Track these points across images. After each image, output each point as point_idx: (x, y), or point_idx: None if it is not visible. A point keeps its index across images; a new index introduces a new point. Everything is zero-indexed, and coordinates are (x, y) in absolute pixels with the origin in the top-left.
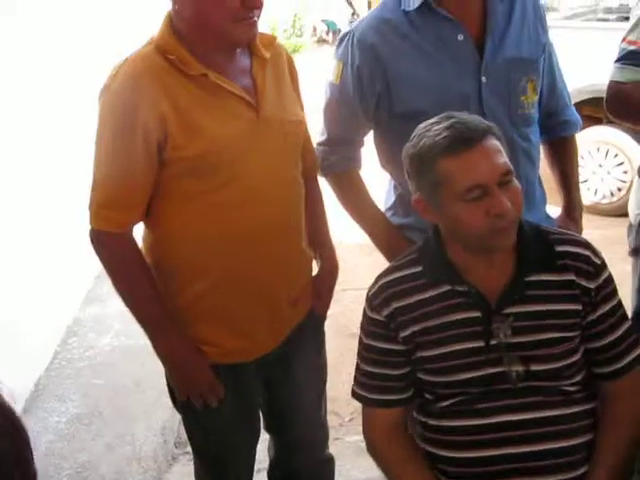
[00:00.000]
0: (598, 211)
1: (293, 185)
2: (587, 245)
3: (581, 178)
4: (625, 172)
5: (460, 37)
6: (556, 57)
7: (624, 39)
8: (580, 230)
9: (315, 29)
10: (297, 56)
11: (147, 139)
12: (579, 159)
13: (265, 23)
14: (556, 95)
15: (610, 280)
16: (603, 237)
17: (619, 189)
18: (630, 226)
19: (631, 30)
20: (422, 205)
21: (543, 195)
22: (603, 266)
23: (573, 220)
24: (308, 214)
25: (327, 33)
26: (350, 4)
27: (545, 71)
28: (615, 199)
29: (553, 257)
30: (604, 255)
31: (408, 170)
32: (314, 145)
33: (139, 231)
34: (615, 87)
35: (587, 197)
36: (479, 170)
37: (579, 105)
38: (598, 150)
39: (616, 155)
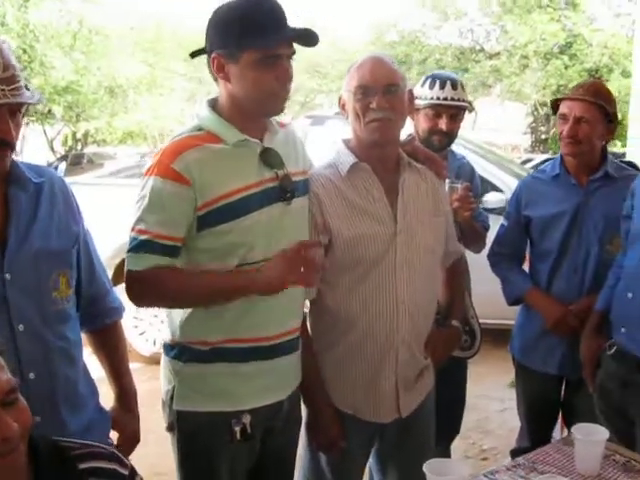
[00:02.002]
0: (158, 361)
1: None
2: (112, 456)
3: (139, 330)
4: None
5: None
6: (93, 244)
7: (133, 228)
8: (137, 420)
9: None
10: None
11: None
12: None
13: None
14: (96, 283)
15: None
16: None
17: None
18: (163, 403)
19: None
20: None
21: (92, 389)
22: (133, 474)
23: (129, 411)
24: None
25: None
26: None
27: (82, 260)
28: None
29: (76, 477)
30: None
31: None
32: None
33: None
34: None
35: (147, 348)
36: None
37: None
38: None
39: None
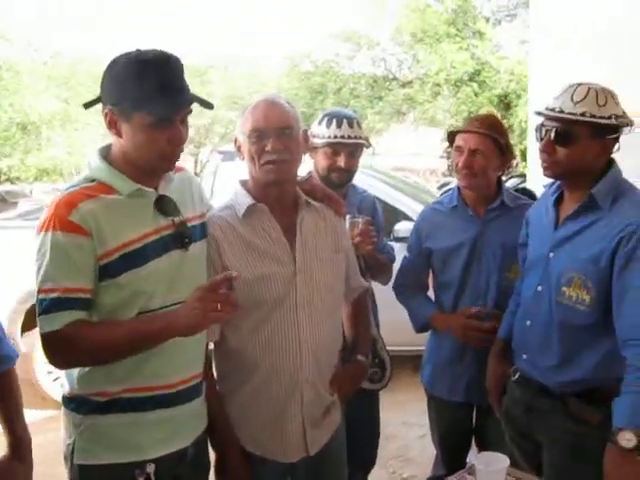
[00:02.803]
0: None
1: None
2: None
3: (53, 376)
4: None
5: None
6: None
7: (39, 290)
8: (30, 469)
9: None
10: None
11: None
12: None
13: None
14: None
15: None
16: None
17: None
18: (65, 457)
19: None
20: None
21: None
22: None
23: (22, 460)
24: None
25: None
26: None
27: None
28: None
29: None
30: None
31: None
32: None
33: None
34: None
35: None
36: None
37: None
38: None
39: None
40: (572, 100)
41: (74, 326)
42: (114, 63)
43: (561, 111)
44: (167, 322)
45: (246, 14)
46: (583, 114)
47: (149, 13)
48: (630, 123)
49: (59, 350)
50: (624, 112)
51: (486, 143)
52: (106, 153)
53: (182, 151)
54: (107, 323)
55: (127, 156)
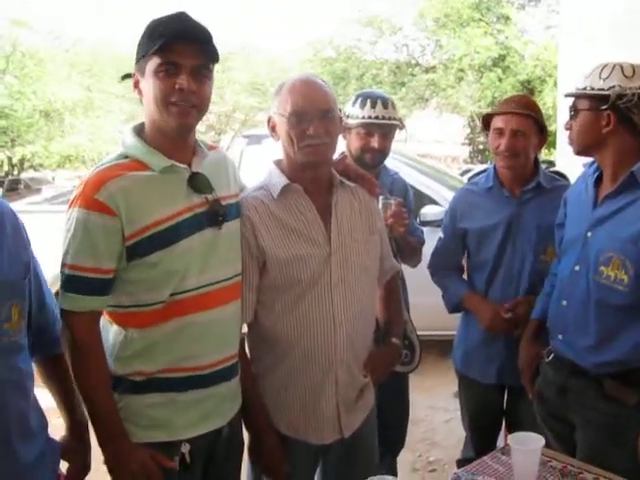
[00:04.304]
0: None
1: None
2: None
3: None
4: None
5: None
6: (42, 273)
7: (62, 263)
8: (88, 450)
9: None
10: None
11: None
12: None
13: None
14: (45, 311)
15: None
16: None
17: None
18: None
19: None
20: None
21: (43, 420)
22: None
23: (80, 440)
24: None
25: None
26: None
27: (32, 289)
28: None
29: None
30: None
31: None
32: None
33: None
34: None
35: None
36: None
37: None
38: None
39: None
40: (600, 77)
41: (94, 339)
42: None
43: (592, 89)
44: (118, 443)
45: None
46: (610, 88)
47: None
48: None
49: (70, 336)
50: None
51: (526, 123)
52: (139, 130)
53: (194, 108)
54: (105, 370)
55: (153, 122)
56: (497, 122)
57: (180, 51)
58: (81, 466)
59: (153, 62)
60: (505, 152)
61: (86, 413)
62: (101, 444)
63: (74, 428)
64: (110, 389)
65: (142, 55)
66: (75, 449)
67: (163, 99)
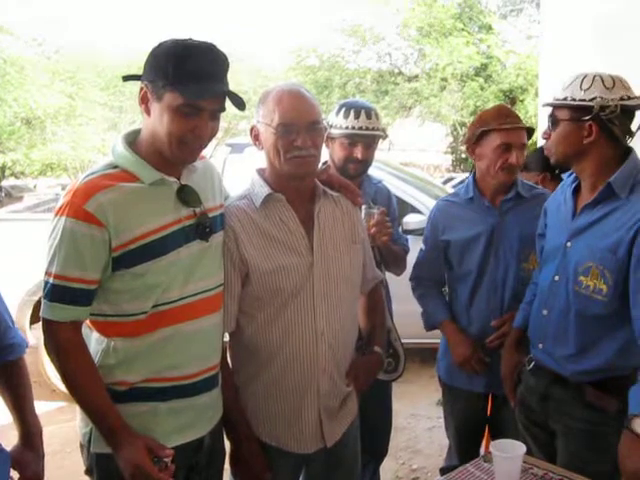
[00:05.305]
0: None
1: None
2: None
3: None
4: None
5: None
6: None
7: (45, 272)
8: (41, 460)
9: None
10: None
11: None
12: None
13: None
14: None
15: None
16: None
17: None
18: (81, 446)
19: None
20: None
21: None
22: None
23: (33, 450)
24: None
25: None
26: None
27: None
28: None
29: None
30: None
31: None
32: None
33: None
34: None
35: None
36: None
37: None
38: None
39: None
40: (581, 88)
41: (77, 339)
42: (162, 43)
43: (573, 99)
44: (117, 435)
45: (247, 7)
46: (592, 99)
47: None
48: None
49: (52, 344)
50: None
51: (526, 136)
52: (131, 140)
53: (203, 147)
54: (95, 374)
55: (152, 139)
56: (504, 137)
57: (206, 96)
58: (32, 477)
59: (175, 99)
60: (517, 167)
61: (39, 423)
62: (109, 444)
63: (27, 436)
64: (102, 384)
65: (163, 81)
66: (26, 459)
67: (179, 138)
